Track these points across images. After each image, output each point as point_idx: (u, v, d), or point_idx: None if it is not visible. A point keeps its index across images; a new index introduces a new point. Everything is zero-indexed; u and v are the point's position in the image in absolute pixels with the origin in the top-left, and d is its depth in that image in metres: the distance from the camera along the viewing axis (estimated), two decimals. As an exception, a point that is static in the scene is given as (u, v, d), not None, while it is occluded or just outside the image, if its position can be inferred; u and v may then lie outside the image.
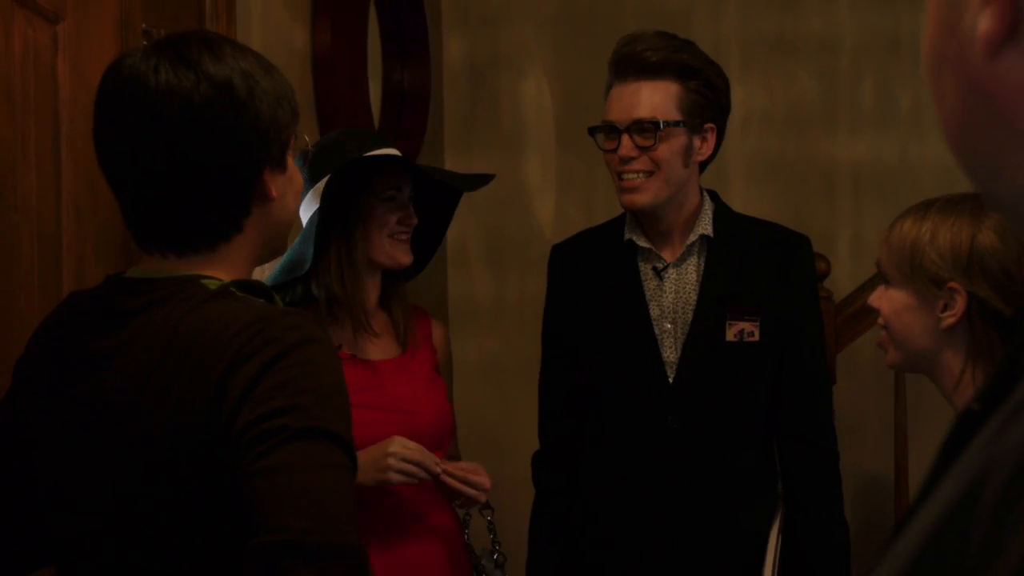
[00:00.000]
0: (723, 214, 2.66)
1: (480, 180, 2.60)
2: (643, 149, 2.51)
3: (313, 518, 1.36)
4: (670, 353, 2.60)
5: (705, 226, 2.61)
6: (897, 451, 3.45)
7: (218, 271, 1.60)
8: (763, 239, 2.66)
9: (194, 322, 1.50)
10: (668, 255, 2.63)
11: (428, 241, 2.70)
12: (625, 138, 2.52)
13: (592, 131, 2.61)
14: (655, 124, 2.50)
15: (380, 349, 2.59)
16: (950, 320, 1.92)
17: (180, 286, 1.56)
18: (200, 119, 1.53)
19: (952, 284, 1.91)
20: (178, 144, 1.54)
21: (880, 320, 2.05)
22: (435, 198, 2.65)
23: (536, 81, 4.36)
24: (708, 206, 2.65)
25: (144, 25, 2.52)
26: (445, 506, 2.57)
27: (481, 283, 4.40)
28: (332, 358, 1.52)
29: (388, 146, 2.57)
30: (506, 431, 4.28)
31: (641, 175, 2.52)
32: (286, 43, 3.11)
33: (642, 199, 2.54)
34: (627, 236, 2.64)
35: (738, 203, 2.76)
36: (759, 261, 2.62)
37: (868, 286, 3.55)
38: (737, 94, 2.71)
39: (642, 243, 2.63)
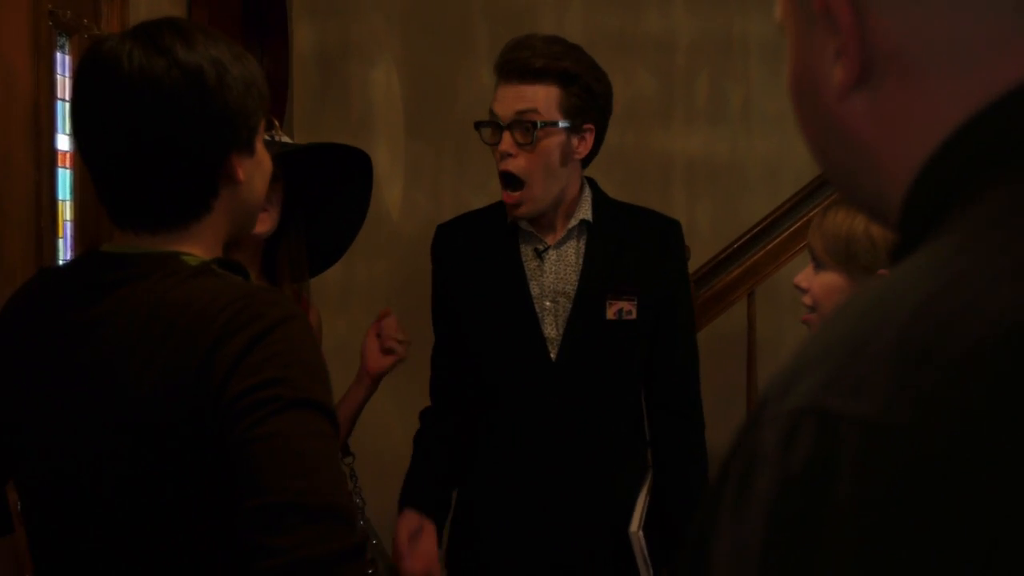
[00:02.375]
0: (600, 200, 2.83)
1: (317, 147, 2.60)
2: (521, 146, 2.65)
3: (311, 480, 1.45)
4: (551, 330, 2.75)
5: (585, 212, 2.78)
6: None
7: (193, 248, 1.67)
8: (639, 223, 2.83)
9: (179, 296, 1.57)
10: (550, 238, 2.78)
11: (344, 233, 2.75)
12: (506, 134, 2.66)
13: (478, 125, 2.73)
14: (533, 124, 2.64)
15: None
16: None
17: (161, 261, 1.63)
18: (170, 103, 1.59)
19: (883, 271, 2.03)
20: (148, 127, 1.60)
21: (807, 300, 2.22)
22: (343, 188, 2.71)
23: (385, 70, 4.45)
24: (587, 193, 2.81)
25: (50, 6, 2.57)
26: None
27: (330, 266, 4.46)
28: (311, 334, 1.61)
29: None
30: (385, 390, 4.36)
31: (515, 191, 2.67)
32: (166, 27, 3.17)
33: (523, 211, 2.70)
34: (510, 219, 2.78)
35: (581, 191, 2.92)
36: (636, 244, 2.80)
37: (712, 270, 3.79)
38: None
39: (524, 226, 2.77)
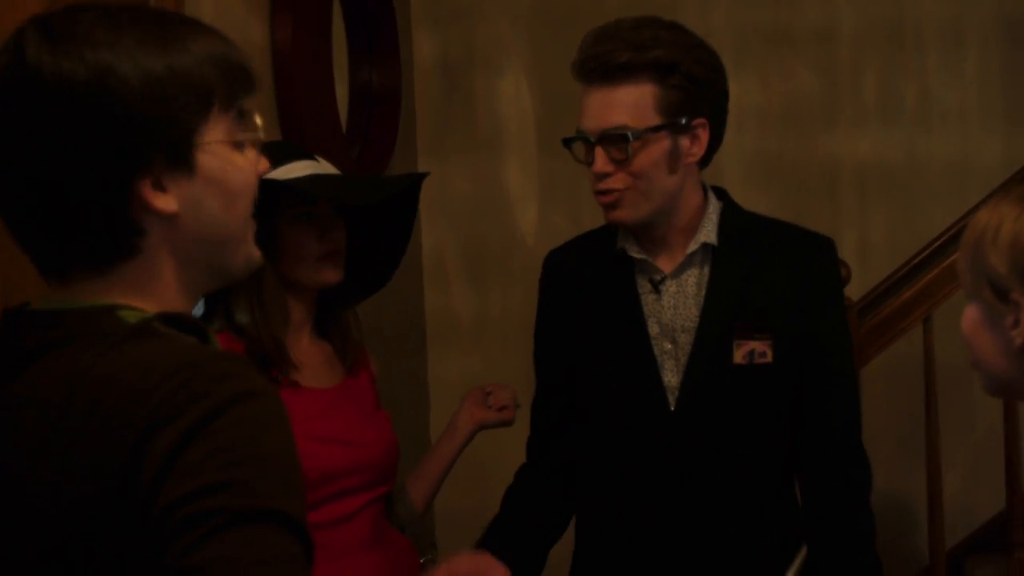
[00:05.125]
0: (731, 216, 2.38)
1: (403, 181, 2.36)
2: (618, 163, 2.25)
3: None
4: (671, 377, 2.33)
5: (708, 233, 2.34)
6: (930, 474, 3.24)
7: (135, 298, 1.28)
8: (778, 243, 2.38)
9: (105, 368, 1.19)
10: (665, 265, 2.35)
11: (387, 258, 2.45)
12: (599, 151, 2.26)
13: (567, 142, 2.35)
14: (625, 137, 2.23)
15: (320, 377, 2.35)
16: (1019, 340, 1.55)
17: (91, 320, 1.25)
18: (27, 124, 1.23)
19: (1014, 296, 1.55)
20: (13, 150, 1.24)
21: None
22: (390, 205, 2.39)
23: (514, 79, 4.12)
24: (714, 208, 2.37)
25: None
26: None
27: (460, 297, 4.16)
28: (278, 416, 1.20)
29: (305, 157, 2.29)
30: (489, 453, 4.01)
31: (616, 191, 2.28)
32: (243, 38, 2.84)
33: (624, 215, 2.30)
34: (619, 245, 2.37)
35: (735, 207, 2.51)
36: (772, 270, 2.35)
37: (883, 293, 3.34)
38: (731, 90, 2.45)
39: (635, 253, 2.35)
